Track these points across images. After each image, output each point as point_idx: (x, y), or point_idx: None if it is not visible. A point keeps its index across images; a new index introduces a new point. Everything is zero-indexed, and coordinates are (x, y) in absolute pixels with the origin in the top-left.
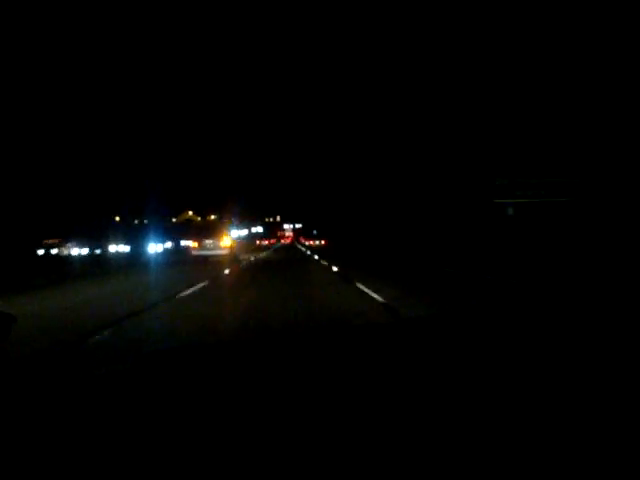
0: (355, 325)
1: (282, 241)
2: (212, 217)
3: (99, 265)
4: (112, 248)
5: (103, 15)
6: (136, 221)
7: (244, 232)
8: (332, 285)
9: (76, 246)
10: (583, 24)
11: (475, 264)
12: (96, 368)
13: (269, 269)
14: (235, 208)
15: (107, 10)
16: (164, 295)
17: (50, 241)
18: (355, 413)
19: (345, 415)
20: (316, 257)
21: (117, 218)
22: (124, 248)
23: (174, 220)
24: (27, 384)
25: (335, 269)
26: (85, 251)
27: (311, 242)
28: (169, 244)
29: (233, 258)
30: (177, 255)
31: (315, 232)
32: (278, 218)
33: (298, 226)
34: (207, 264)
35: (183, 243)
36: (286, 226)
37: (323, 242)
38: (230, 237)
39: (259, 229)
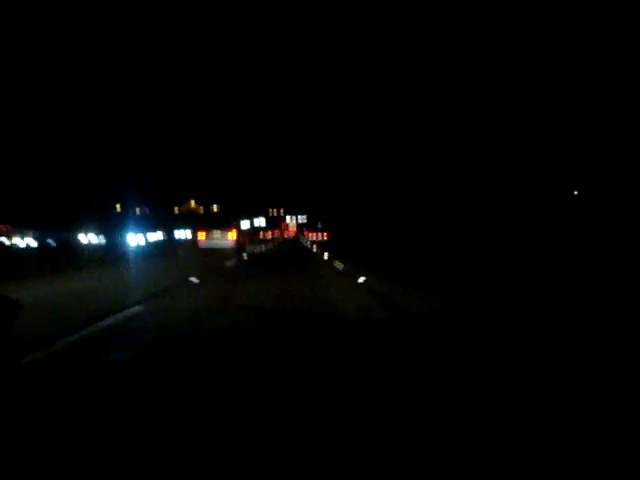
0: (352, 320)
1: (285, 234)
2: (215, 207)
3: (44, 259)
4: (82, 239)
5: (103, 12)
6: (137, 210)
7: (246, 224)
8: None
9: (33, 235)
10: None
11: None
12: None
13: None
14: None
15: (105, 6)
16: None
17: None
18: (351, 408)
19: (341, 409)
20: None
21: (118, 207)
22: (95, 239)
23: (176, 210)
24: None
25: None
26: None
27: (313, 236)
28: (155, 235)
29: (237, 251)
30: (164, 248)
31: (320, 225)
32: (282, 211)
33: (302, 219)
34: (193, 262)
35: (179, 234)
36: (289, 219)
37: (325, 236)
38: (238, 230)
39: (262, 221)
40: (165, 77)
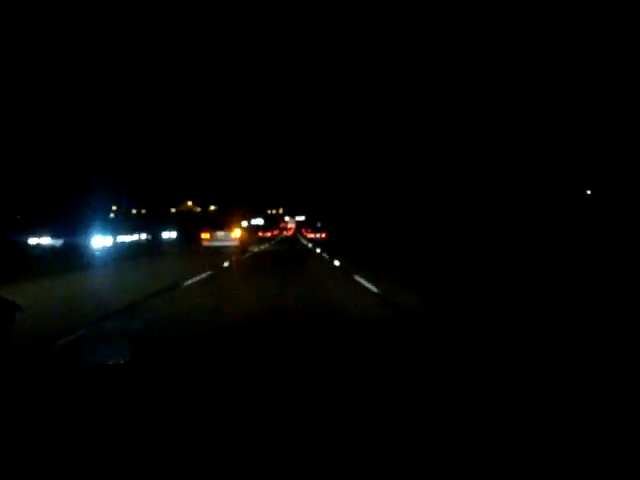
0: (352, 320)
1: (284, 233)
2: (212, 207)
3: None
4: (32, 240)
5: (102, 13)
6: (134, 211)
7: (244, 224)
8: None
9: None
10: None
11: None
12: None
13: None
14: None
15: (105, 6)
16: None
17: None
18: (352, 408)
19: (341, 408)
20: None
21: (114, 208)
22: (47, 240)
23: (173, 210)
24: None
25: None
26: None
27: (312, 235)
28: (130, 237)
29: (241, 250)
30: (147, 249)
31: (319, 224)
32: (281, 210)
33: (300, 218)
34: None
35: (166, 235)
36: (288, 218)
37: (323, 235)
38: (241, 229)
39: (259, 221)
40: (163, 78)
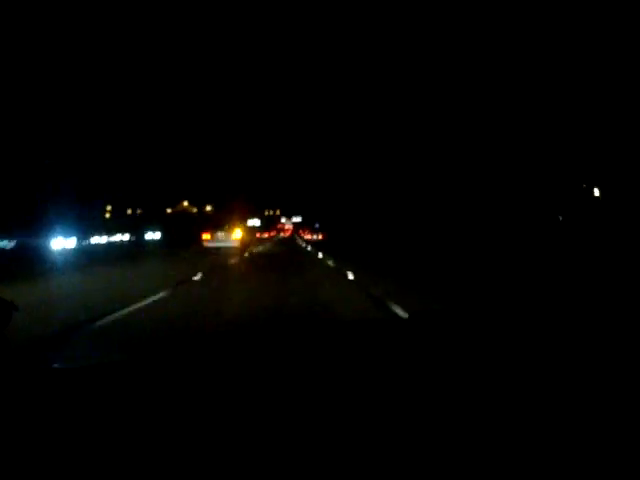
0: (348, 321)
1: (282, 234)
2: (208, 208)
3: None
4: None
5: (98, 12)
6: (129, 210)
7: (248, 223)
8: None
9: None
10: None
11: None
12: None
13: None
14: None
15: (103, 5)
16: None
17: None
18: (350, 410)
19: (339, 410)
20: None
21: (109, 208)
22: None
23: (169, 210)
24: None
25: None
26: None
27: (309, 236)
28: (109, 238)
29: (241, 250)
30: (127, 250)
31: (318, 225)
32: (278, 211)
33: (297, 220)
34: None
35: (149, 236)
36: (284, 219)
37: (321, 236)
38: (242, 230)
39: (256, 222)
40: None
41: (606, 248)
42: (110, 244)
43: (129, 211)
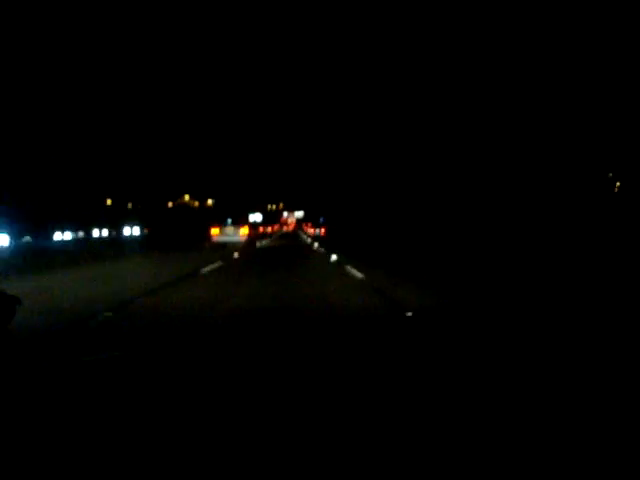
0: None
1: (284, 228)
2: (210, 202)
3: None
4: None
5: (100, 10)
6: (129, 204)
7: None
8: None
9: None
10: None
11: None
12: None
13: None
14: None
15: (105, 5)
16: None
17: None
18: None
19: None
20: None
21: (109, 201)
22: None
23: (170, 204)
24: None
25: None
26: None
27: (312, 230)
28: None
29: (249, 245)
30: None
31: (322, 220)
32: (281, 205)
33: (299, 214)
34: None
35: (127, 231)
36: (286, 214)
37: (322, 231)
38: (249, 226)
39: (257, 217)
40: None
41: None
42: (78, 241)
43: (129, 205)
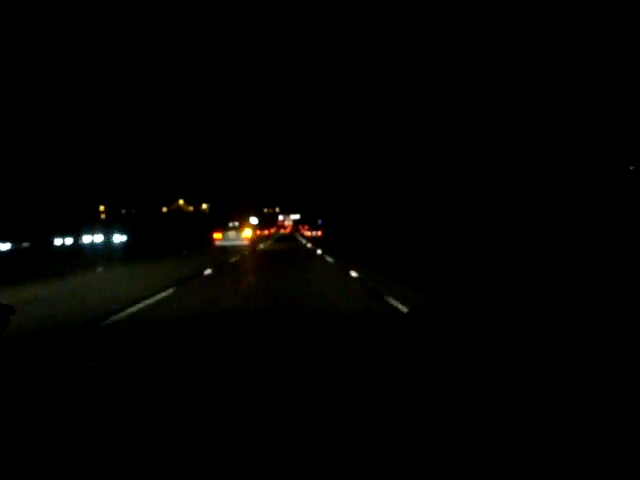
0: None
1: (282, 231)
2: (204, 206)
3: None
4: None
5: (98, 11)
6: (123, 210)
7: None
8: None
9: None
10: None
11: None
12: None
13: None
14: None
15: (104, 6)
16: None
17: None
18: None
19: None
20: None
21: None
22: None
23: (165, 209)
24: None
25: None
26: None
27: (308, 232)
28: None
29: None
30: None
31: (320, 221)
32: (277, 209)
33: (295, 217)
34: None
35: (117, 238)
36: (281, 217)
37: (319, 233)
38: (251, 229)
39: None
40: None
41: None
42: (17, 252)
43: (123, 211)
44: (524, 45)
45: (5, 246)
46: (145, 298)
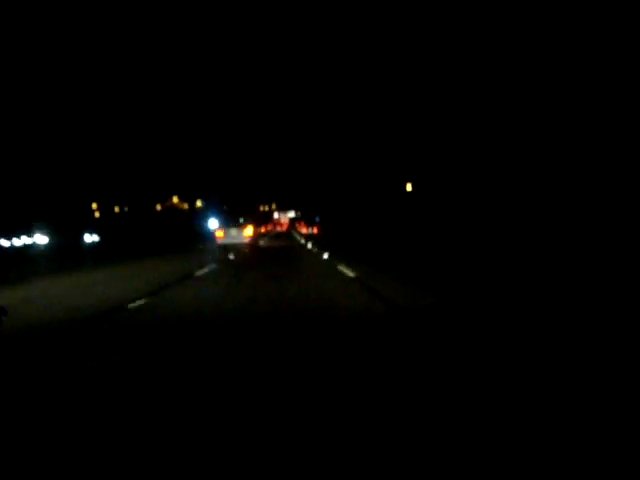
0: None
1: (278, 228)
2: (199, 203)
3: None
4: None
5: (98, 11)
6: (116, 208)
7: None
8: None
9: None
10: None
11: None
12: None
13: None
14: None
15: (103, 6)
16: None
17: None
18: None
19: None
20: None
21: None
22: None
23: (158, 207)
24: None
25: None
26: None
27: (304, 229)
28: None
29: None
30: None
31: (318, 219)
32: (274, 206)
33: (291, 214)
34: None
35: (88, 239)
36: (277, 215)
37: (315, 230)
38: (253, 227)
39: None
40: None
41: None
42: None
43: (117, 209)
44: (523, 45)
45: None
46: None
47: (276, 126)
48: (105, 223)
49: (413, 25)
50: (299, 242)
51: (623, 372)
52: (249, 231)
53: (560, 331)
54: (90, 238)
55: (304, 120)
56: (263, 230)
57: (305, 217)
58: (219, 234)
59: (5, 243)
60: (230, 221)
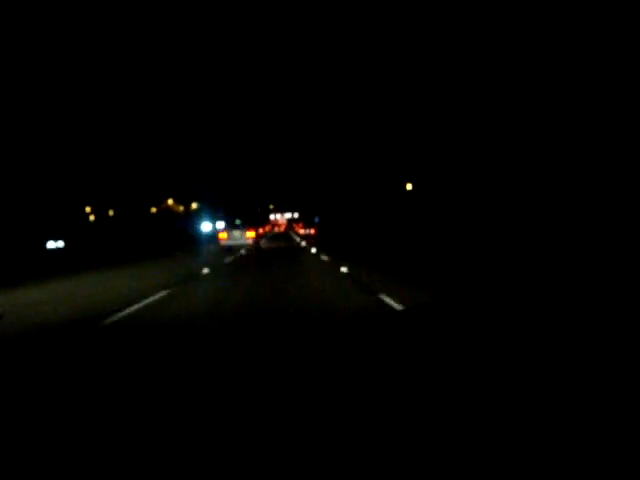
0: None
1: (276, 229)
2: (194, 205)
3: None
4: None
5: (98, 11)
6: (110, 212)
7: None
8: None
9: None
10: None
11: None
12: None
13: None
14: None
15: (103, 7)
16: None
17: None
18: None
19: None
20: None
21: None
22: None
23: (154, 210)
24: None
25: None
26: None
27: (302, 230)
28: None
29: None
30: None
31: (317, 219)
32: (271, 207)
33: (288, 215)
34: None
35: (52, 245)
36: (273, 217)
37: (312, 231)
38: (255, 229)
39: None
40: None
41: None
42: None
43: (111, 212)
44: (524, 45)
45: None
46: None
47: (275, 127)
48: (96, 227)
49: (413, 25)
50: (296, 241)
51: (623, 372)
52: (252, 233)
53: (560, 331)
54: (54, 244)
55: (303, 120)
56: (261, 231)
57: (304, 218)
58: (222, 236)
59: None
60: (232, 223)
